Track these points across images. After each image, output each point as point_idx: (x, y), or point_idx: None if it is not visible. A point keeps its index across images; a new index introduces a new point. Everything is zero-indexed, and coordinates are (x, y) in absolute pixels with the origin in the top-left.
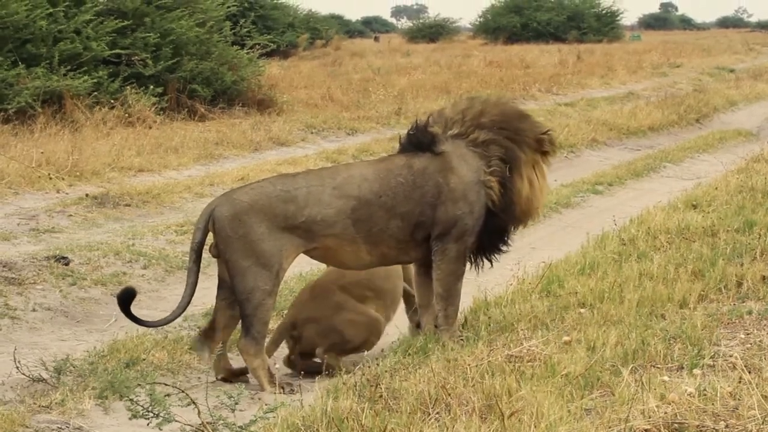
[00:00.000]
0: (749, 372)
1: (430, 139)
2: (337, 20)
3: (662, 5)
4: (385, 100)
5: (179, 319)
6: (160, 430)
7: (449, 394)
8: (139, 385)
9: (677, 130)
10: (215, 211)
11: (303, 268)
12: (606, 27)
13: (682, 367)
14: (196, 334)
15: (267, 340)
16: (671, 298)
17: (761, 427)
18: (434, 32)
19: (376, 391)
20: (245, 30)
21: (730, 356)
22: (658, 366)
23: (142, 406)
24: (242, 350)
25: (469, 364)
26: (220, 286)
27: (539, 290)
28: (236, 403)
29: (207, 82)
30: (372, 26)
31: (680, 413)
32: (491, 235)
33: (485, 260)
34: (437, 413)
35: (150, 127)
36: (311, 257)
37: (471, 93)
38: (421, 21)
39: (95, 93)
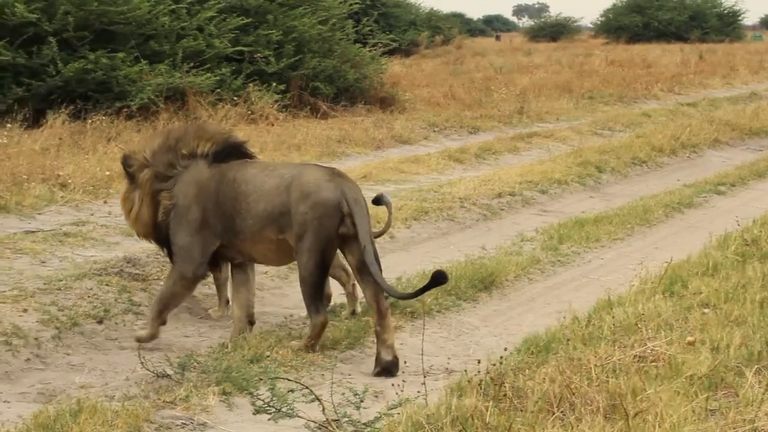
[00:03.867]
0: None
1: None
2: (458, 19)
3: None
4: (507, 98)
5: (303, 317)
6: (276, 422)
7: (573, 394)
8: (261, 380)
9: None
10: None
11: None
12: (728, 27)
13: None
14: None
15: None
16: None
17: None
18: (555, 31)
19: (500, 389)
20: (367, 28)
21: None
22: None
23: (263, 400)
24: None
25: (593, 364)
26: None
27: (662, 290)
28: (361, 401)
29: (329, 79)
30: (493, 25)
31: None
32: None
33: None
34: (562, 412)
35: (272, 125)
36: None
37: (593, 92)
38: (542, 20)
39: (218, 90)
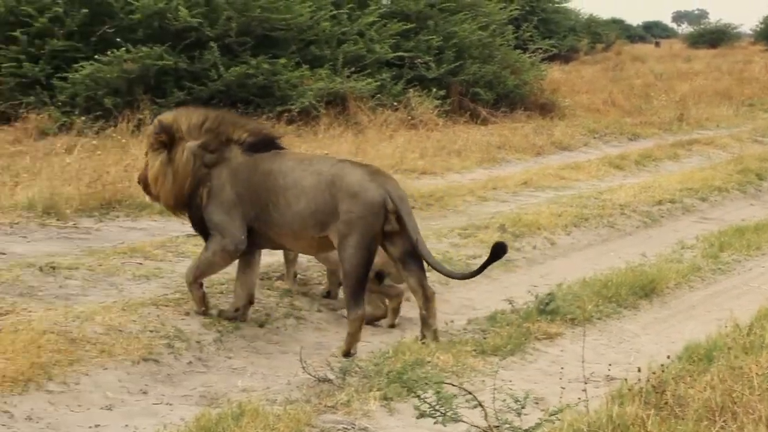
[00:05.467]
0: None
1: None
2: (618, 25)
3: None
4: (667, 105)
5: (463, 323)
6: (444, 426)
7: (735, 403)
8: (426, 384)
9: None
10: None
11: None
12: None
13: None
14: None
15: None
16: None
17: None
18: (715, 38)
19: (661, 397)
20: (527, 34)
21: None
22: None
23: (429, 404)
24: None
25: (755, 373)
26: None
27: None
28: (522, 407)
29: (489, 85)
30: (653, 31)
31: None
32: None
33: None
34: (723, 421)
35: (432, 130)
36: None
37: (753, 100)
38: (702, 26)
39: (378, 95)
